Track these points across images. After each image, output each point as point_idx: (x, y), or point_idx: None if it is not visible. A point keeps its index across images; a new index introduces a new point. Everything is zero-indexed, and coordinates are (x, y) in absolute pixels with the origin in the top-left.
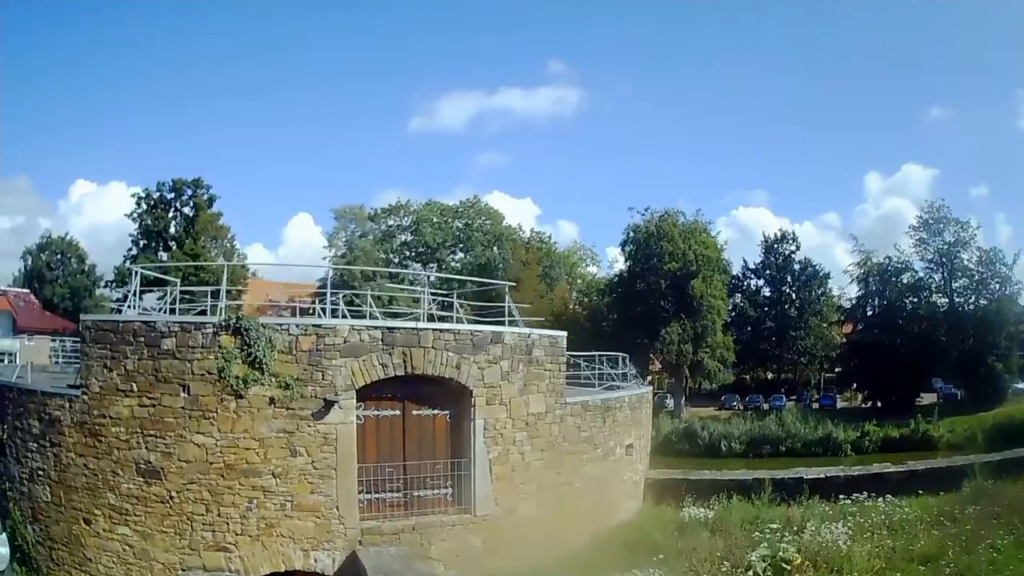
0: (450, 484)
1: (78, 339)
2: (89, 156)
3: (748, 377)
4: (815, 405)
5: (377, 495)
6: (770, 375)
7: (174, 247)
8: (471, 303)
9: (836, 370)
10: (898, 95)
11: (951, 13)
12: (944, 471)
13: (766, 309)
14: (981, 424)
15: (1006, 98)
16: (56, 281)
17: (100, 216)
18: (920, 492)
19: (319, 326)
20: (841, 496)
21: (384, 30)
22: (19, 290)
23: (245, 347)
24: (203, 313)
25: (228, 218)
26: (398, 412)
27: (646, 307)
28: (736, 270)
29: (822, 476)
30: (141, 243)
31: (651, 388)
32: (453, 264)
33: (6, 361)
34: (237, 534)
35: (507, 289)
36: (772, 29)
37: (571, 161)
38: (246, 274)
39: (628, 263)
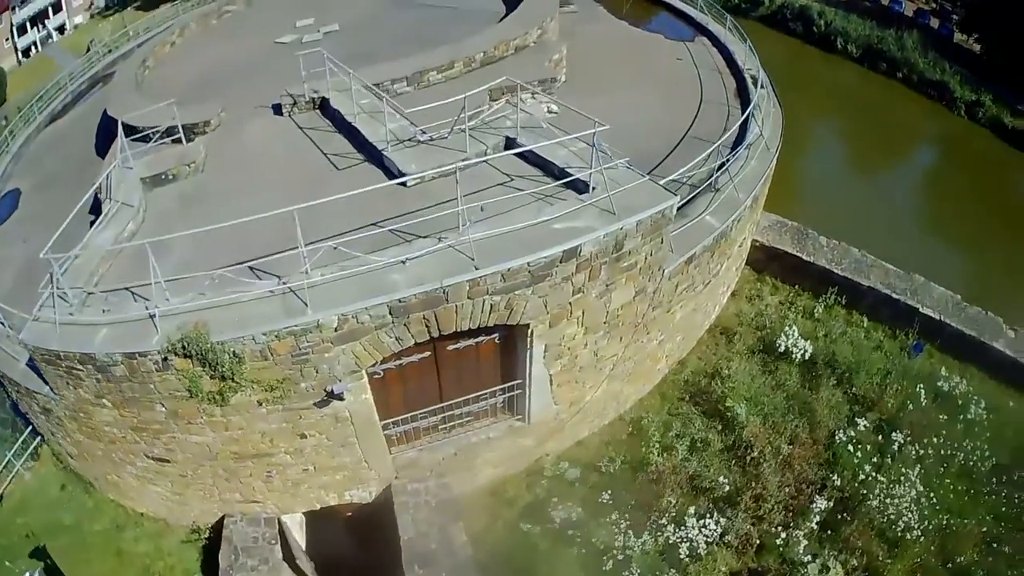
0: (501, 406)
1: None
2: None
3: None
4: None
5: (414, 424)
6: None
7: None
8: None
9: None
10: None
11: None
12: None
13: None
14: None
15: None
16: None
17: None
18: None
19: (295, 327)
20: None
21: None
22: None
23: (207, 366)
24: None
25: None
26: (428, 353)
27: None
28: None
29: None
30: None
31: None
32: None
33: None
34: (265, 493)
35: (594, 136)
36: None
37: None
38: None
39: None
